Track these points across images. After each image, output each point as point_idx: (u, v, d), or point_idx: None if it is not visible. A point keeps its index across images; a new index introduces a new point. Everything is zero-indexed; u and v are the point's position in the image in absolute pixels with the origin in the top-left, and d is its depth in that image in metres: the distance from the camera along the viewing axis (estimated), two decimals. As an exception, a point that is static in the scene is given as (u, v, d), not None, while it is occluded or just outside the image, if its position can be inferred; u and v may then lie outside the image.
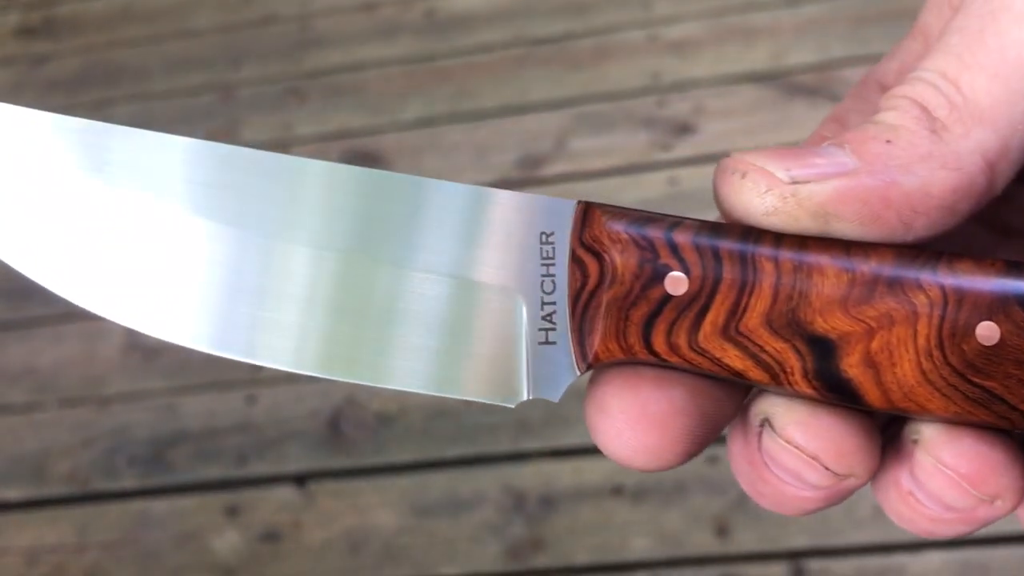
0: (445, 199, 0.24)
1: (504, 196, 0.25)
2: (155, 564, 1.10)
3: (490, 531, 1.06)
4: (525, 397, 0.24)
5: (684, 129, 1.32)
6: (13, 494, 1.18)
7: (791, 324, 0.23)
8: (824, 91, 1.31)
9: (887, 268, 0.23)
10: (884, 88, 0.28)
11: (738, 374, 0.23)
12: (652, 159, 1.30)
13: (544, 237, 0.24)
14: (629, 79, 1.39)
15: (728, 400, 0.25)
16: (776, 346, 0.23)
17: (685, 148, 1.30)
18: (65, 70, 1.58)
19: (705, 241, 0.23)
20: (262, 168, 0.24)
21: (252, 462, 1.15)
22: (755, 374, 0.23)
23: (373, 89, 1.46)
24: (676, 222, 0.24)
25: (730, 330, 0.23)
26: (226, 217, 0.24)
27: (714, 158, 1.21)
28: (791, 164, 0.23)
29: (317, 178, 0.24)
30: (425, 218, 0.24)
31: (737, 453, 0.25)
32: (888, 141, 0.23)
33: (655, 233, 0.23)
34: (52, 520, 1.15)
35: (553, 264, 0.24)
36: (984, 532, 0.26)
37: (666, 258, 0.23)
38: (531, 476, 1.08)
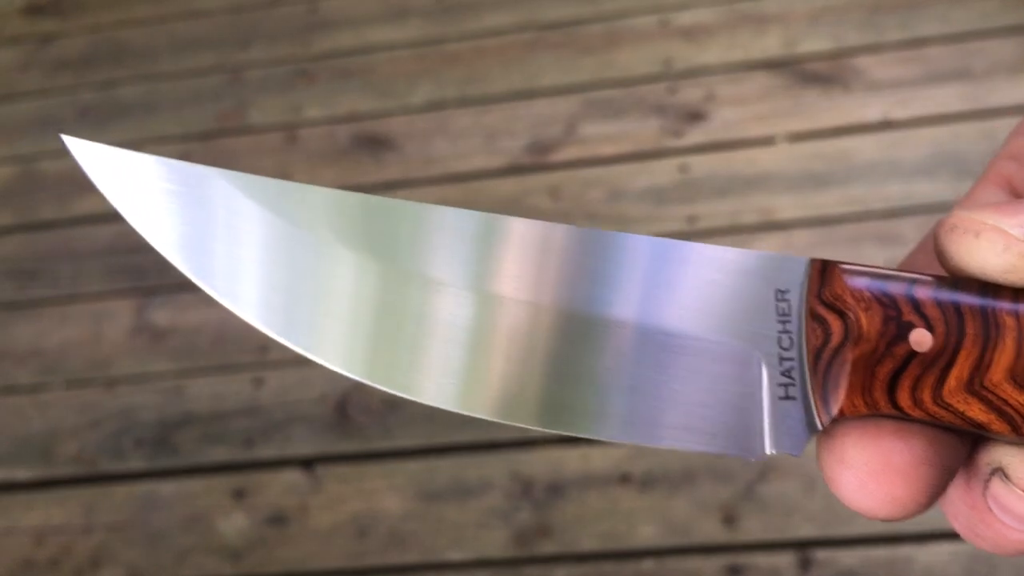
0: (685, 258, 0.25)
1: (739, 254, 0.25)
2: (162, 546, 1.10)
3: (497, 517, 1.06)
4: (767, 451, 0.24)
5: (695, 116, 1.31)
6: (20, 474, 1.18)
7: None
8: (837, 79, 1.31)
9: None
10: None
11: (980, 426, 0.23)
12: (663, 146, 1.30)
13: (779, 294, 0.24)
14: (640, 65, 1.38)
15: (961, 447, 0.25)
16: (1020, 399, 0.23)
17: (696, 135, 1.29)
18: (72, 49, 1.57)
19: (946, 297, 0.23)
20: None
21: (259, 445, 1.15)
22: (997, 426, 0.23)
23: (382, 72, 1.45)
24: (914, 279, 0.24)
25: (974, 384, 0.23)
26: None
27: (725, 145, 1.21)
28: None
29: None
30: (667, 278, 0.24)
31: (957, 498, 0.25)
32: None
33: (897, 290, 0.24)
34: (59, 501, 1.15)
35: (789, 320, 0.24)
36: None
37: (909, 315, 0.23)
38: (538, 462, 1.08)
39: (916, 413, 0.23)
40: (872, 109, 1.27)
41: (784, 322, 0.24)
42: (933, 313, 0.23)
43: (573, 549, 1.04)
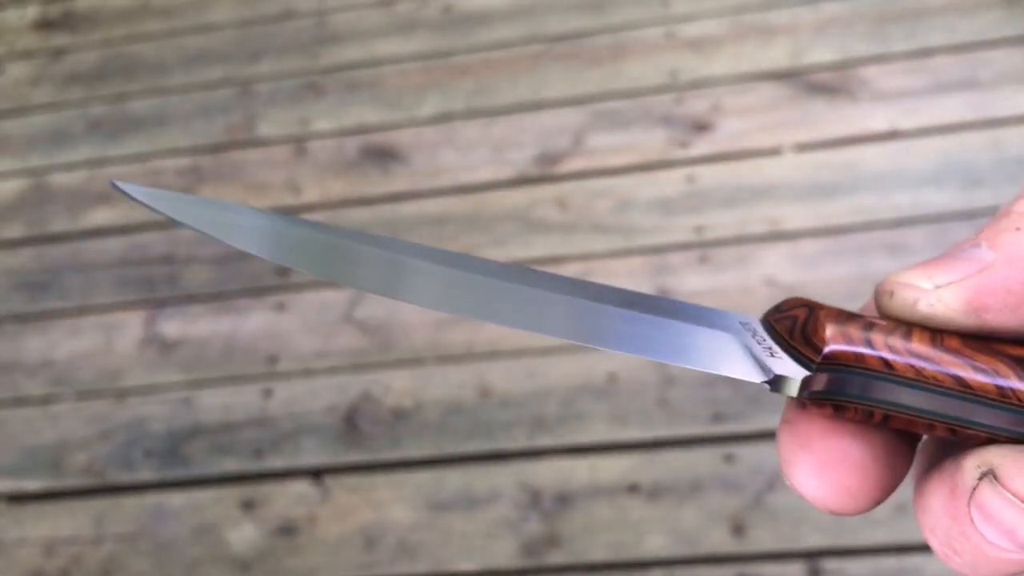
0: (663, 304, 0.28)
1: (708, 308, 0.28)
2: (171, 557, 1.11)
3: (506, 527, 1.06)
4: (767, 376, 0.25)
5: (702, 127, 1.32)
6: (31, 485, 1.18)
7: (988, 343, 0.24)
8: (843, 90, 1.31)
9: None
10: None
11: (962, 380, 0.24)
12: (669, 157, 1.30)
13: (743, 324, 0.27)
14: (647, 76, 1.38)
15: (910, 456, 0.26)
16: (984, 358, 0.24)
17: (703, 146, 1.30)
18: (83, 63, 1.58)
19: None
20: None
21: (268, 456, 1.15)
22: (977, 381, 0.24)
23: (390, 85, 1.46)
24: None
25: (937, 343, 0.24)
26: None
27: (732, 156, 1.22)
28: (934, 272, 0.24)
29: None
30: (650, 309, 0.27)
31: (938, 507, 0.24)
32: (1018, 228, 0.24)
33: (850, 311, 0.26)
34: (69, 512, 1.16)
35: (756, 333, 0.26)
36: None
37: (860, 317, 0.25)
38: (547, 473, 1.08)
39: (900, 365, 0.24)
40: (879, 119, 1.28)
41: (752, 332, 0.26)
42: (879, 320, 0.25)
43: (581, 559, 1.03)
